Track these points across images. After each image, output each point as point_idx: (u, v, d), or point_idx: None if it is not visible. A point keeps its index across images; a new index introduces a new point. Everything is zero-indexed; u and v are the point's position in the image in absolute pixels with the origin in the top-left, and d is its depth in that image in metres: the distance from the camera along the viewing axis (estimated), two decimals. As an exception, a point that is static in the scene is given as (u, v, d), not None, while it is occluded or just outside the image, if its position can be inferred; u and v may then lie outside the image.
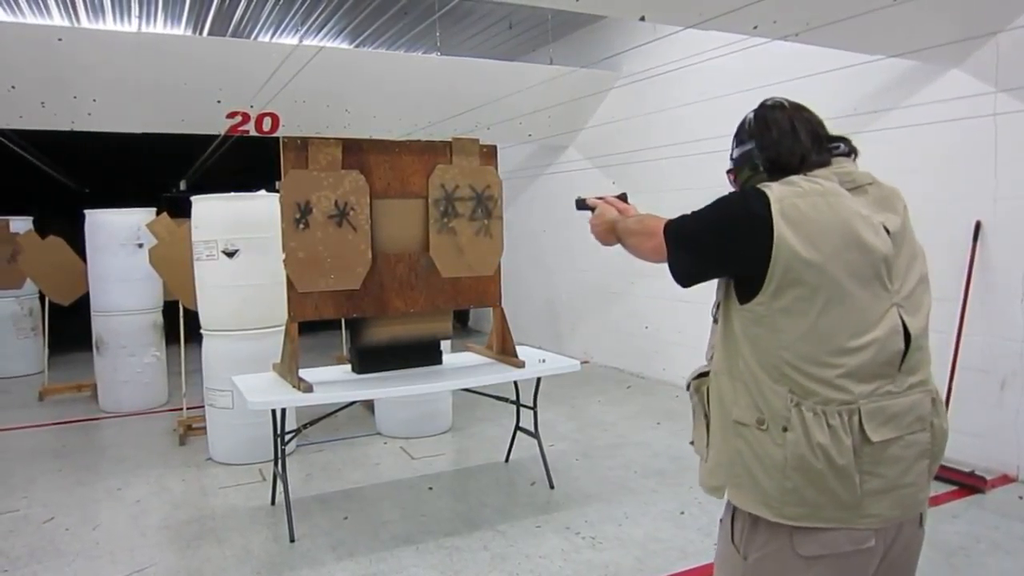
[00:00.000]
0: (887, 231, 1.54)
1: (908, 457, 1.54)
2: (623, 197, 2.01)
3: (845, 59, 5.14)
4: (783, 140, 1.64)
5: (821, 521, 1.49)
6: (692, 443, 1.76)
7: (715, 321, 1.69)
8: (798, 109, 1.70)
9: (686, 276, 1.64)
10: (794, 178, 1.57)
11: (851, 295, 1.49)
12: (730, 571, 1.63)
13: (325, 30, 7.90)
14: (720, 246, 1.58)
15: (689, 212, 1.65)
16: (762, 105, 1.73)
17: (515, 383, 4.59)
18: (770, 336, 1.52)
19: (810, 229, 1.48)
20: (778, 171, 1.61)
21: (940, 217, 4.83)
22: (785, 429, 1.49)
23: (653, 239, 1.70)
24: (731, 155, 1.76)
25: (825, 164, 1.61)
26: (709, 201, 1.63)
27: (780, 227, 1.47)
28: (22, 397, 7.46)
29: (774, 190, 1.53)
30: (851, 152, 1.67)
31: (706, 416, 1.68)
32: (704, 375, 1.72)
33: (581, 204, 2.08)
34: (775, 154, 1.64)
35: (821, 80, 5.45)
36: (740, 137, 1.74)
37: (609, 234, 1.92)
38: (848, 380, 1.48)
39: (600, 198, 2.01)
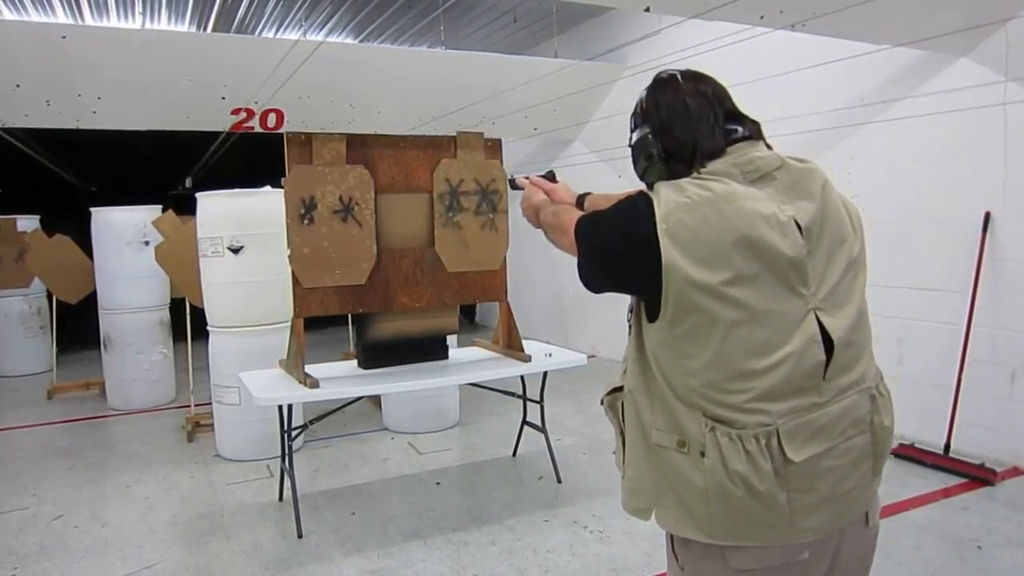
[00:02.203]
0: (799, 226, 1.38)
1: (843, 465, 1.42)
2: (550, 176, 1.91)
3: (852, 49, 5.09)
4: (674, 125, 1.48)
5: (753, 540, 1.41)
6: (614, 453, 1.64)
7: (629, 331, 1.53)
8: (695, 80, 1.54)
9: (593, 285, 1.53)
10: (683, 182, 1.41)
11: (756, 313, 1.35)
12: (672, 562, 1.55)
13: (329, 25, 7.88)
14: (616, 265, 1.47)
15: (601, 210, 1.54)
16: (654, 80, 1.57)
17: (522, 378, 4.58)
18: (676, 361, 1.40)
19: (701, 249, 1.34)
20: (674, 161, 1.48)
21: (949, 208, 4.80)
22: (703, 454, 1.38)
23: (567, 237, 1.59)
24: (629, 141, 1.58)
25: (720, 153, 1.44)
26: None
27: (668, 251, 1.34)
28: (31, 395, 7.49)
29: (662, 202, 1.38)
30: (752, 135, 1.49)
31: (622, 434, 1.56)
32: (618, 390, 1.57)
33: (512, 184, 1.99)
34: (667, 142, 1.48)
35: (828, 70, 5.41)
36: (635, 120, 1.57)
37: (535, 218, 1.81)
38: (761, 402, 1.36)
39: (527, 178, 1.90)
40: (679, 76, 1.55)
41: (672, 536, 1.52)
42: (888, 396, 1.53)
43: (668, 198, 1.39)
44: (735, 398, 1.36)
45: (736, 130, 1.48)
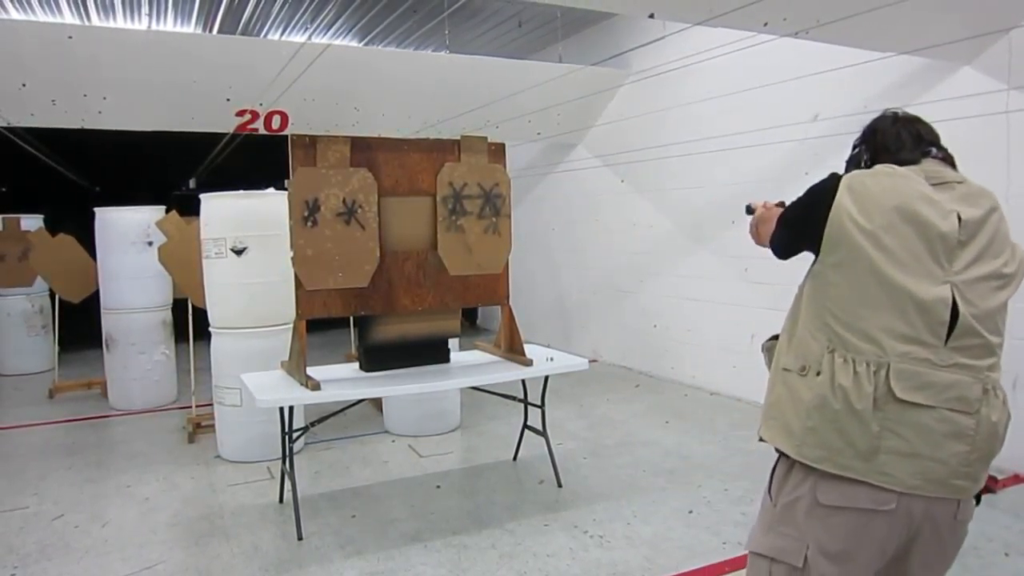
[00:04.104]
0: (959, 218, 1.62)
1: (940, 433, 1.58)
2: (781, 204, 2.10)
3: (856, 56, 5.10)
4: (885, 143, 1.80)
5: (837, 467, 1.58)
6: None
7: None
8: (909, 121, 1.84)
9: (780, 249, 1.84)
10: (878, 166, 1.73)
11: (898, 261, 1.59)
12: (764, 518, 1.76)
13: (334, 28, 7.91)
14: (800, 215, 1.77)
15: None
16: (879, 116, 1.90)
17: (523, 381, 4.58)
18: (822, 289, 1.67)
19: (868, 199, 1.62)
20: (878, 162, 1.77)
21: (952, 215, 4.80)
22: (818, 373, 1.62)
23: (770, 224, 1.89)
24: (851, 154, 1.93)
25: (915, 162, 1.73)
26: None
27: (842, 194, 1.63)
28: (32, 394, 7.50)
29: (851, 172, 1.72)
30: (946, 159, 1.76)
31: (768, 365, 1.84)
32: (776, 337, 1.85)
33: (749, 210, 2.23)
34: (875, 153, 1.81)
35: (832, 77, 5.42)
36: (855, 142, 1.91)
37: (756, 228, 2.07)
38: (882, 335, 1.58)
39: (764, 205, 2.12)
40: (898, 113, 1.87)
41: (772, 480, 1.75)
42: (1003, 400, 1.69)
43: (857, 171, 1.73)
44: (861, 323, 1.60)
45: (931, 150, 1.76)
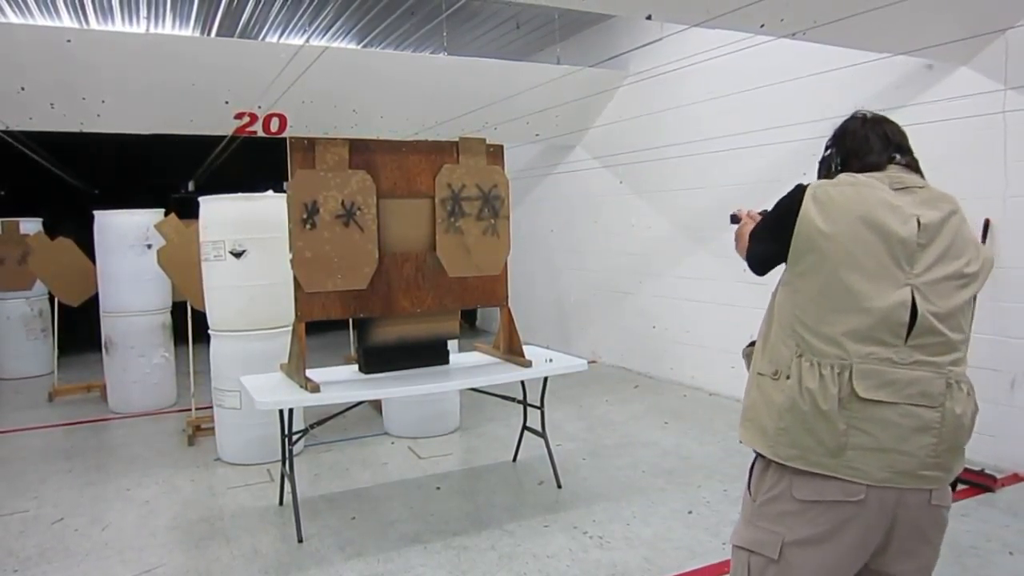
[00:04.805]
0: (919, 222, 1.70)
1: (905, 426, 1.67)
2: (764, 214, 2.16)
3: (852, 57, 5.12)
4: (853, 146, 1.89)
5: (809, 465, 1.70)
6: None
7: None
8: (879, 120, 1.94)
9: (757, 263, 1.94)
10: (841, 176, 1.83)
11: (860, 267, 1.68)
12: (745, 513, 1.87)
13: (333, 30, 7.91)
14: (769, 228, 1.90)
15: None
16: (849, 116, 1.98)
17: (522, 383, 4.58)
18: (791, 297, 1.78)
19: (832, 208, 1.72)
20: (847, 168, 1.87)
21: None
22: (788, 377, 1.73)
23: (744, 240, 2.02)
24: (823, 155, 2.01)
25: (880, 167, 1.82)
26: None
27: (807, 205, 1.73)
28: (32, 398, 7.50)
29: (815, 183, 1.81)
30: (910, 164, 1.86)
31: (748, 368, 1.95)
32: (754, 343, 1.95)
33: (734, 219, 2.28)
34: (845, 157, 1.89)
35: (829, 78, 5.43)
36: (827, 144, 1.98)
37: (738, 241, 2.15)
38: (845, 338, 1.68)
39: (748, 213, 2.18)
40: (866, 115, 1.96)
41: (751, 477, 1.86)
42: (967, 393, 1.74)
43: (821, 181, 1.83)
44: (825, 328, 1.70)
45: (896, 157, 1.85)
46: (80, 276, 7.11)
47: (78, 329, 8.02)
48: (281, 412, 3.99)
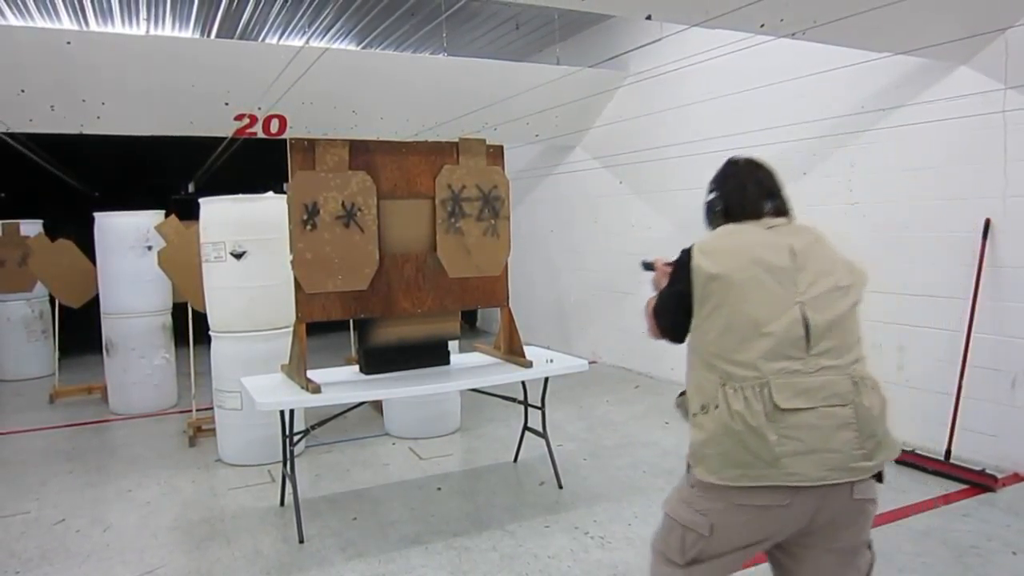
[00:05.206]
0: (793, 251, 1.99)
1: (826, 427, 1.86)
2: (671, 264, 2.28)
3: (853, 56, 5.12)
4: (733, 194, 2.17)
5: (753, 480, 1.87)
6: None
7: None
8: (756, 166, 2.21)
9: (671, 331, 2.15)
10: (719, 229, 2.13)
11: (753, 298, 1.93)
12: (683, 492, 2.06)
13: (332, 31, 7.92)
14: (672, 296, 2.11)
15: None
16: (726, 162, 2.26)
17: (523, 383, 4.58)
18: (703, 338, 1.99)
19: (719, 256, 1.99)
20: (729, 215, 2.15)
21: (949, 215, 4.81)
22: (717, 407, 1.91)
23: (650, 320, 2.25)
24: (706, 199, 2.27)
25: (757, 216, 2.11)
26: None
27: (697, 259, 2.00)
28: (33, 399, 7.50)
29: (702, 239, 2.08)
30: (778, 209, 2.14)
31: (684, 418, 2.11)
32: (683, 393, 2.13)
33: (647, 266, 2.47)
34: (727, 204, 2.17)
35: (828, 78, 5.43)
36: (711, 186, 2.25)
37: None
38: (758, 360, 1.89)
39: (666, 265, 2.31)
40: (741, 161, 2.23)
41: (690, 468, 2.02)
42: (873, 386, 1.95)
43: (704, 238, 2.09)
44: (739, 356, 1.90)
45: (768, 204, 2.13)
46: (81, 278, 7.11)
47: (79, 331, 8.02)
48: (282, 413, 3.99)
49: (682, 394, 2.14)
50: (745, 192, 2.15)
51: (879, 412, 1.93)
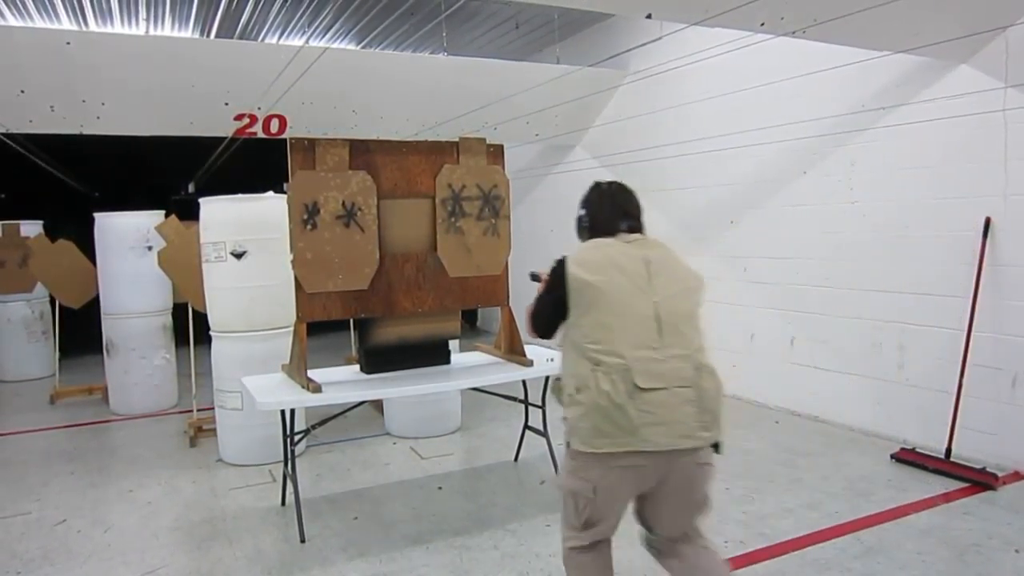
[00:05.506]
0: (647, 261, 2.46)
1: (674, 403, 2.31)
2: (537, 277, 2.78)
3: (853, 55, 5.12)
4: (595, 214, 2.64)
5: (617, 446, 2.31)
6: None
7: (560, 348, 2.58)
8: (616, 191, 2.68)
9: (545, 329, 2.59)
10: (589, 242, 2.58)
11: (618, 299, 2.38)
12: (568, 465, 2.52)
13: (332, 31, 7.91)
14: (550, 302, 2.53)
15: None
16: (592, 185, 2.73)
17: (524, 382, 4.58)
18: (578, 333, 2.42)
19: (588, 264, 2.45)
20: (594, 231, 2.61)
21: (949, 213, 4.81)
22: (589, 388, 2.33)
23: (528, 322, 2.64)
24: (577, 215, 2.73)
25: (613, 233, 2.56)
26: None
27: (571, 268, 2.44)
28: (33, 400, 7.51)
29: (573, 251, 2.52)
30: (633, 227, 2.60)
31: (560, 402, 2.54)
32: (559, 379, 2.57)
33: (534, 277, 2.83)
34: (592, 222, 2.65)
35: (828, 77, 5.43)
36: (580, 205, 2.71)
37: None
38: (623, 349, 2.32)
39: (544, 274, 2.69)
40: (604, 185, 2.71)
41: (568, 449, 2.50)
42: (711, 372, 2.40)
43: (575, 250, 2.53)
44: (607, 346, 2.34)
45: (624, 223, 2.59)
46: (81, 278, 7.11)
47: (79, 331, 8.02)
48: (283, 413, 3.99)
49: (557, 379, 2.58)
50: (605, 212, 2.62)
51: (715, 393, 2.39)
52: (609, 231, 2.57)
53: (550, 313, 2.54)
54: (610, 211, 2.62)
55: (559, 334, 2.57)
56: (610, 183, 2.72)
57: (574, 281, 2.41)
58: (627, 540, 3.76)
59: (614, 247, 2.50)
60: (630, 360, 2.30)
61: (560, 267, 2.47)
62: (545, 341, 2.73)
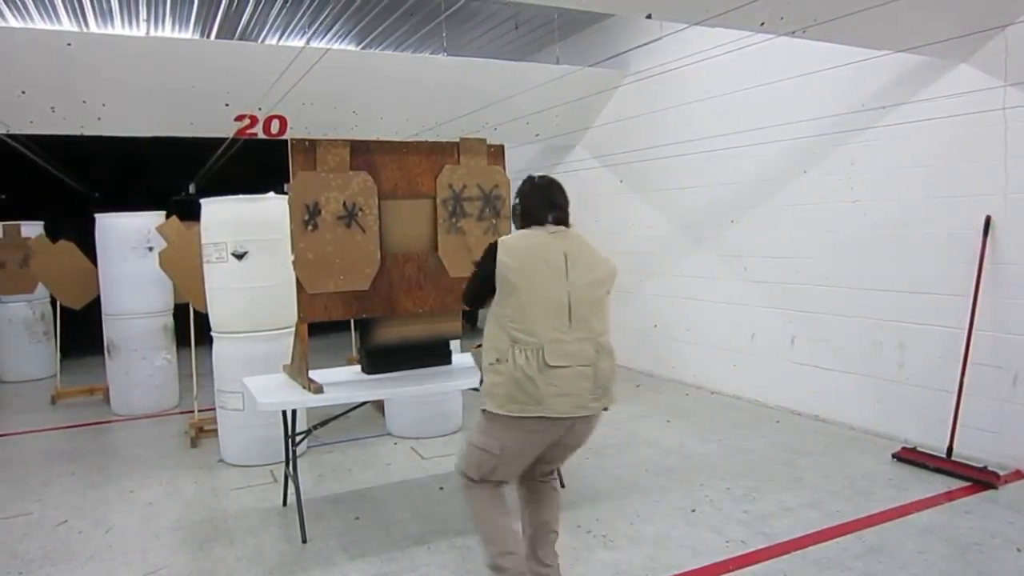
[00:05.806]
0: (565, 253, 2.81)
1: (575, 377, 2.73)
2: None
3: (853, 55, 5.12)
4: (527, 205, 2.97)
5: (526, 412, 2.71)
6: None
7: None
8: (546, 184, 3.00)
9: (473, 300, 3.04)
10: (519, 232, 2.94)
11: (538, 285, 2.75)
12: (482, 425, 2.87)
13: (332, 32, 7.92)
14: (480, 278, 2.90)
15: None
16: (528, 177, 3.04)
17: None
18: (501, 311, 2.78)
19: (515, 252, 2.79)
20: (525, 221, 2.95)
21: (949, 212, 4.81)
22: (507, 360, 2.72)
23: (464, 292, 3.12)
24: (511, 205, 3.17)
25: (542, 224, 2.90)
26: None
27: (500, 253, 2.79)
28: (35, 401, 7.51)
29: (505, 238, 2.87)
30: (558, 219, 2.92)
31: (480, 367, 2.95)
32: (479, 346, 2.96)
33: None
34: (523, 211, 2.98)
35: (828, 76, 5.44)
36: (515, 196, 3.06)
37: None
38: (538, 329, 2.72)
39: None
40: (536, 179, 3.02)
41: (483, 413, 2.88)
42: (609, 353, 2.86)
43: (505, 237, 2.89)
44: (525, 325, 2.73)
45: (551, 214, 2.92)
46: (82, 279, 7.12)
47: (80, 332, 8.03)
48: (284, 413, 3.99)
49: (478, 346, 2.99)
50: (536, 203, 2.94)
51: (609, 371, 2.84)
52: (539, 220, 2.91)
53: (478, 287, 2.91)
54: (540, 202, 2.94)
55: (487, 307, 2.91)
56: (542, 176, 3.04)
57: (501, 267, 2.76)
58: (627, 539, 3.79)
59: (538, 237, 2.85)
60: (543, 341, 2.70)
61: (492, 249, 2.82)
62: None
